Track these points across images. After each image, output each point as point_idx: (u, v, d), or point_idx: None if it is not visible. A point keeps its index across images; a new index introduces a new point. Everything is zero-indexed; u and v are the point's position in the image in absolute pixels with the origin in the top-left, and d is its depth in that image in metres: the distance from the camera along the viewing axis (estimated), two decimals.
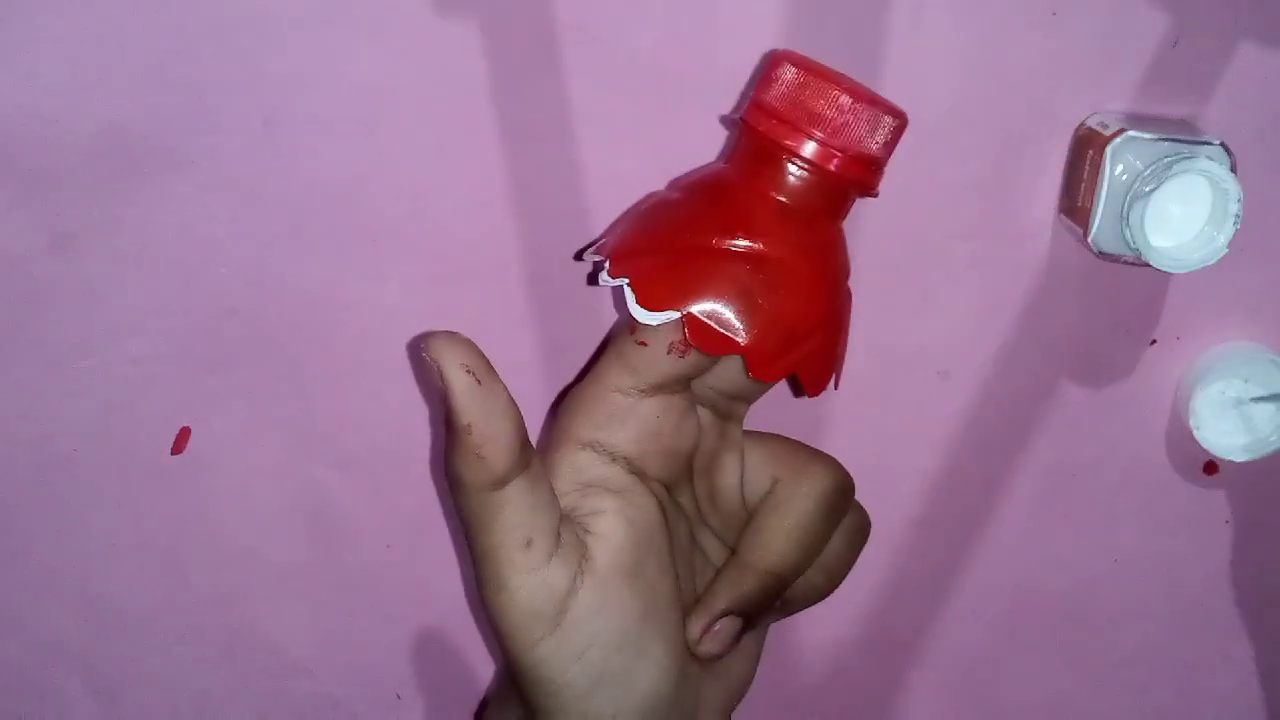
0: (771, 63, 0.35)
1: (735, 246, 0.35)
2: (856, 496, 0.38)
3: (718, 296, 0.34)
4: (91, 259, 0.41)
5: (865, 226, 0.43)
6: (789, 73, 0.35)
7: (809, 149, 0.35)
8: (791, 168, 0.35)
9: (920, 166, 0.43)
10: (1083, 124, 0.43)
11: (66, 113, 0.39)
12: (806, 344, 0.35)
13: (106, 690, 0.46)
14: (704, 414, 0.37)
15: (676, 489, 0.38)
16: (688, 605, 0.37)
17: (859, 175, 0.35)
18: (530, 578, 0.33)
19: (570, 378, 0.44)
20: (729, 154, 0.37)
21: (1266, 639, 0.50)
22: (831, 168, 0.35)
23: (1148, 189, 0.39)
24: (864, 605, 0.49)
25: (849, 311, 0.38)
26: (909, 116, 0.36)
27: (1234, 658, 0.50)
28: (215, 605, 0.45)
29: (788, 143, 0.35)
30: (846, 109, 0.34)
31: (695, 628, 0.36)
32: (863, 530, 0.39)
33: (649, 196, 0.38)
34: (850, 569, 0.39)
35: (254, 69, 0.39)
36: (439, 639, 0.47)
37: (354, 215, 0.41)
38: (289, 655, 0.46)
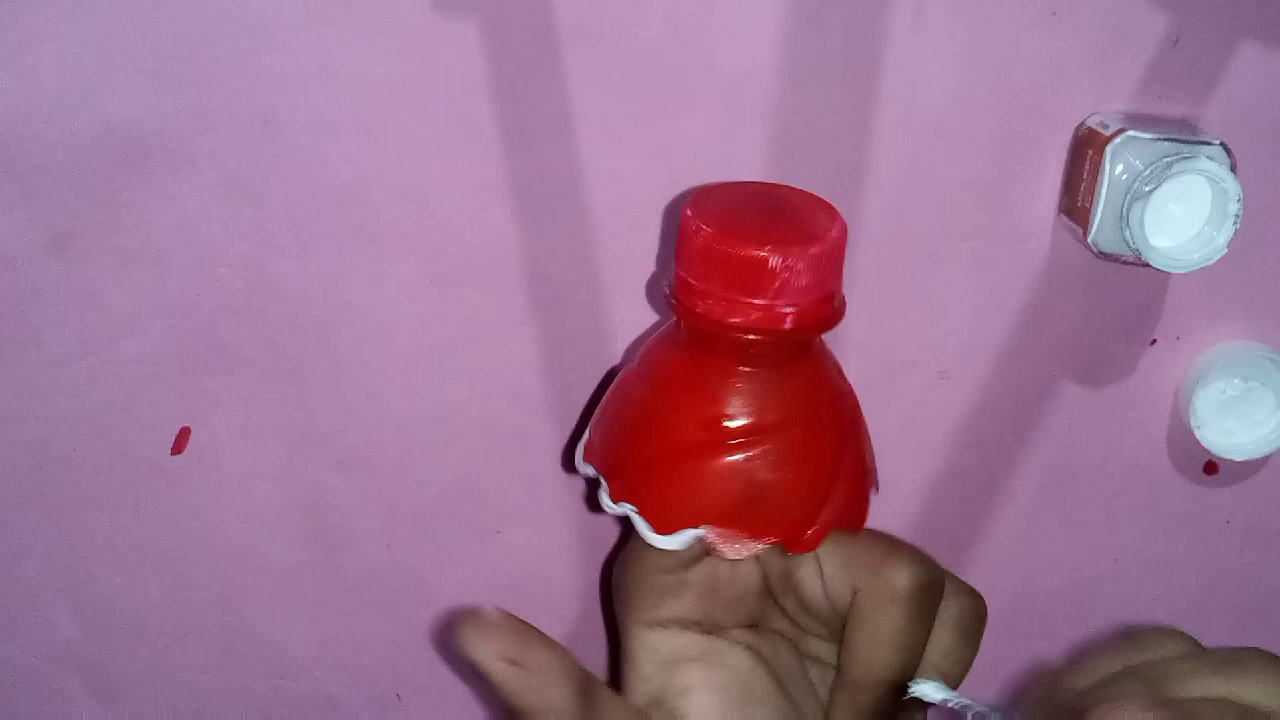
0: (684, 229, 0.32)
1: (724, 437, 0.32)
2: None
3: (727, 500, 0.32)
4: (91, 259, 0.41)
5: (866, 226, 0.43)
6: (706, 237, 0.31)
7: (754, 317, 0.32)
8: (744, 338, 0.32)
9: (920, 166, 0.43)
10: (1083, 124, 0.43)
11: (66, 112, 0.39)
12: (834, 494, 0.34)
13: (106, 689, 0.46)
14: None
15: (766, 618, 0.37)
16: (815, 714, 0.36)
17: (818, 320, 0.33)
18: None
19: (570, 377, 0.44)
20: (676, 330, 0.34)
21: (1267, 639, 0.50)
22: (786, 327, 0.32)
23: (1148, 189, 0.39)
24: None
25: (860, 421, 0.36)
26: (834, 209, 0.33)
27: None
28: (215, 605, 0.45)
29: (730, 320, 0.32)
30: (780, 268, 0.31)
31: None
32: (975, 617, 0.36)
33: (621, 384, 0.36)
34: (970, 659, 0.36)
35: (254, 69, 0.39)
36: (439, 640, 0.47)
37: (354, 215, 0.41)
38: (289, 655, 0.46)
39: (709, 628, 0.35)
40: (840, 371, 0.35)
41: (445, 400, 0.44)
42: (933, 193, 0.43)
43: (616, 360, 0.44)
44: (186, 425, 0.43)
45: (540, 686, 0.32)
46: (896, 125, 0.42)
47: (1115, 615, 0.50)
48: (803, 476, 0.33)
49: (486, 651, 0.32)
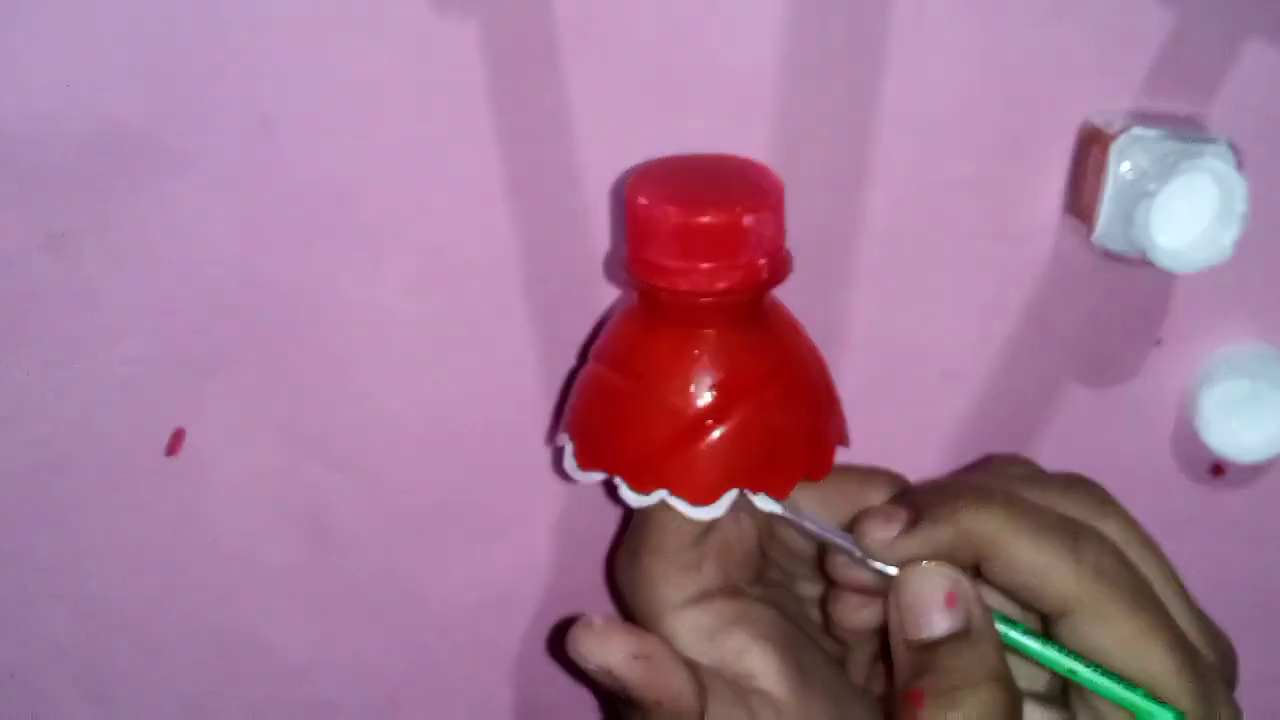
0: (627, 205, 0.34)
1: (720, 399, 0.34)
2: None
3: (752, 454, 0.34)
4: (86, 258, 0.40)
5: (868, 226, 0.43)
6: (645, 209, 0.33)
7: (723, 282, 0.33)
8: (711, 302, 0.34)
9: (923, 165, 0.43)
10: (1087, 122, 0.42)
11: (60, 111, 0.39)
12: (833, 417, 0.36)
13: (101, 693, 0.46)
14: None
15: (765, 571, 0.39)
16: (833, 655, 0.38)
17: (780, 270, 0.35)
18: None
19: (571, 378, 0.44)
20: (638, 309, 0.36)
21: (1274, 641, 0.50)
22: (727, 285, 0.34)
23: (1153, 188, 0.39)
24: None
25: (823, 370, 0.38)
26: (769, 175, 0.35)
27: (1242, 661, 0.50)
28: (211, 608, 0.45)
29: (678, 286, 0.33)
30: (725, 228, 0.33)
31: (859, 676, 0.38)
32: None
33: (595, 385, 0.37)
34: None
35: (250, 68, 0.39)
36: (436, 643, 0.47)
37: (351, 214, 0.41)
38: (285, 659, 0.46)
39: (731, 592, 0.37)
40: (798, 326, 0.37)
41: (442, 401, 0.44)
42: (935, 192, 0.43)
43: None
44: (181, 426, 0.43)
45: (668, 676, 0.33)
46: (899, 124, 0.42)
47: None
48: (807, 411, 0.35)
49: (614, 654, 0.33)
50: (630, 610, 0.38)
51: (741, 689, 0.35)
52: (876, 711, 0.37)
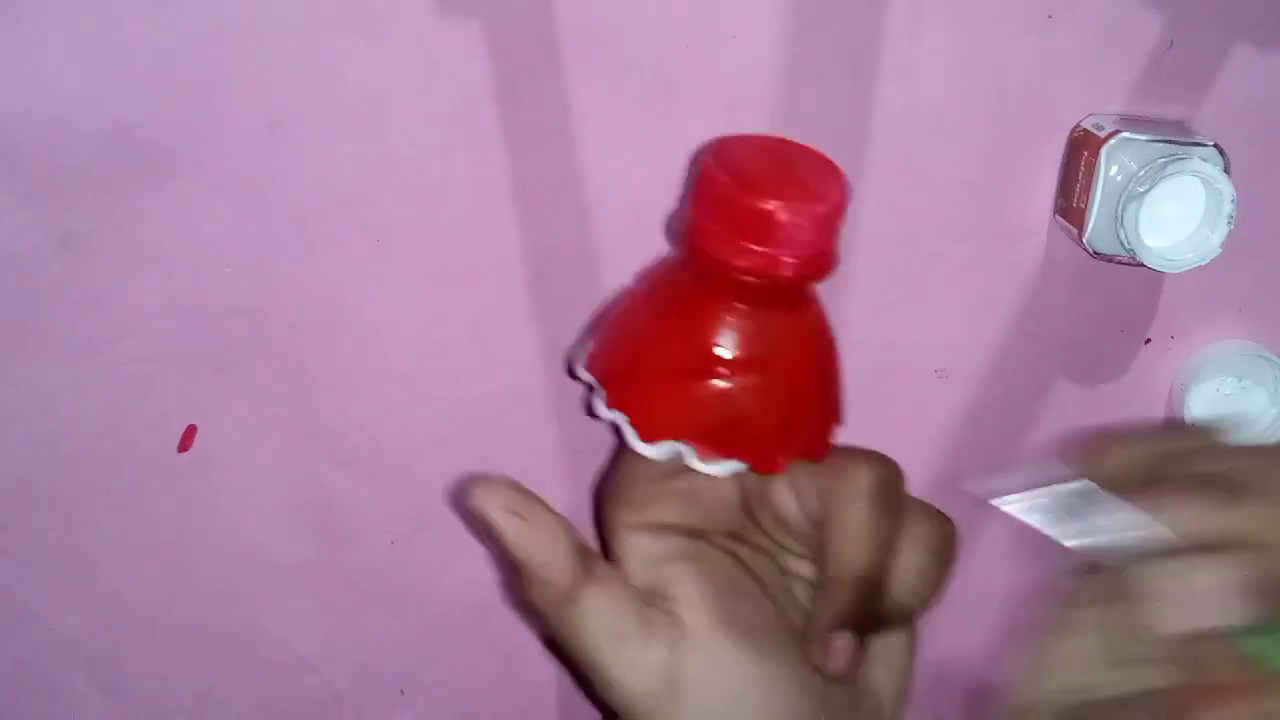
0: (703, 174, 0.35)
1: (713, 364, 0.35)
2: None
3: (707, 421, 0.35)
4: (97, 259, 0.41)
5: (863, 227, 0.43)
6: (723, 185, 0.34)
7: (757, 263, 0.34)
8: (745, 279, 0.34)
9: (917, 168, 0.43)
10: (1078, 126, 0.43)
11: (73, 114, 0.39)
12: (805, 428, 0.36)
13: (112, 685, 0.46)
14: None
15: (746, 533, 0.39)
16: (799, 620, 0.38)
17: (815, 271, 0.35)
18: (633, 667, 0.35)
19: (571, 376, 0.44)
20: (682, 262, 0.37)
21: None
22: (785, 274, 0.34)
23: (1142, 190, 0.40)
24: None
25: (838, 365, 0.38)
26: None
27: None
28: (221, 601, 0.45)
29: (735, 262, 0.34)
30: (787, 220, 0.33)
31: (812, 651, 0.37)
32: (945, 538, 0.38)
33: (626, 302, 0.38)
34: (942, 578, 0.38)
35: (259, 71, 0.39)
36: (443, 635, 0.47)
37: (358, 216, 0.42)
38: (293, 651, 0.46)
39: (692, 533, 0.38)
40: (827, 321, 0.38)
41: (448, 399, 0.44)
42: (930, 194, 0.43)
43: None
44: (192, 424, 0.43)
45: (542, 541, 0.34)
46: (894, 127, 0.42)
47: None
48: (778, 410, 0.36)
49: (493, 504, 0.34)
50: (600, 524, 0.39)
51: (654, 608, 0.36)
52: (810, 685, 0.36)
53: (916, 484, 0.47)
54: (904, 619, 0.38)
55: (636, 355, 0.36)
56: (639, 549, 0.37)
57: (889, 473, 0.37)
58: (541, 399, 0.45)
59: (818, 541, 0.37)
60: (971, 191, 0.44)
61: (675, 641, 0.35)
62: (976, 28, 0.42)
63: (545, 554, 0.34)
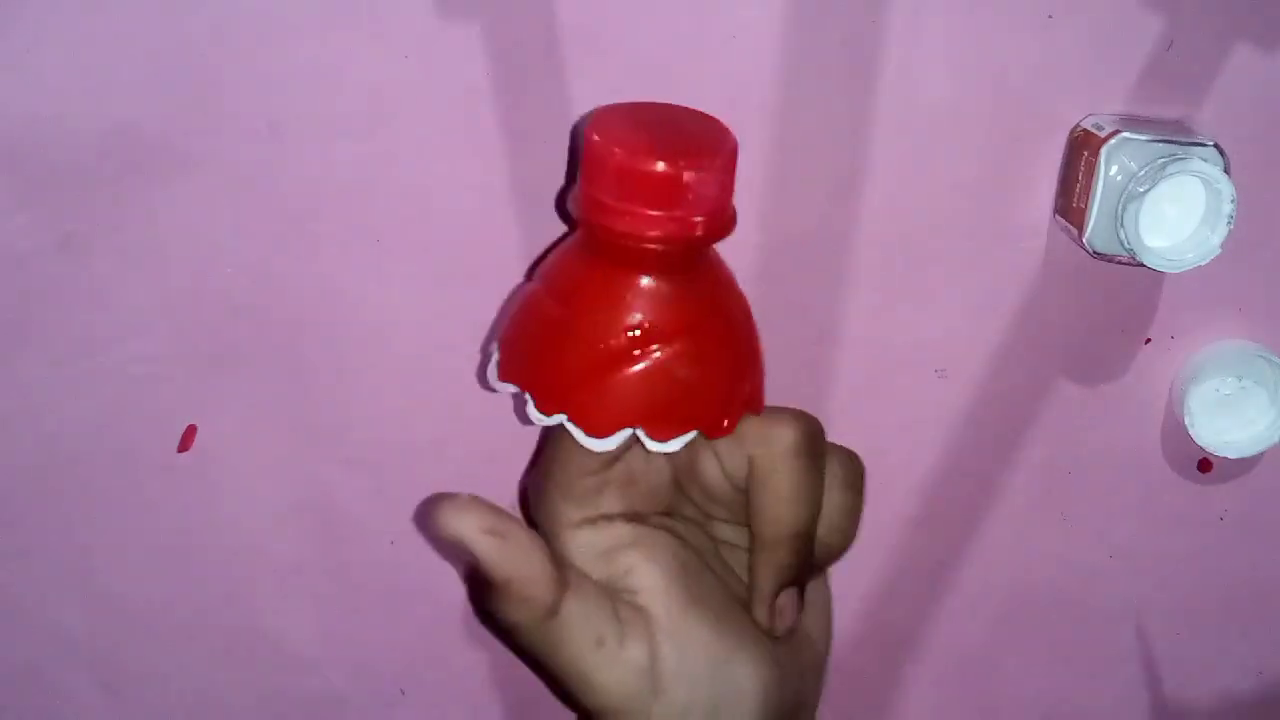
0: (593, 150, 0.34)
1: (641, 342, 0.34)
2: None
3: (654, 399, 0.34)
4: (98, 258, 0.41)
5: (863, 227, 0.43)
6: (617, 156, 0.33)
7: (669, 229, 0.34)
8: (647, 248, 0.34)
9: (917, 167, 0.43)
10: (1078, 126, 0.43)
11: (73, 113, 0.39)
12: (745, 382, 0.36)
13: (112, 685, 0.46)
14: None
15: (677, 506, 0.39)
16: (741, 596, 0.38)
17: (721, 228, 0.35)
18: (614, 670, 0.35)
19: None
20: (580, 245, 0.36)
21: (1261, 635, 0.51)
22: (697, 235, 0.34)
23: (1142, 190, 0.40)
24: (861, 602, 0.49)
25: (753, 323, 0.38)
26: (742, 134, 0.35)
27: (1229, 653, 0.51)
28: (221, 601, 0.45)
29: (647, 232, 0.34)
30: (691, 180, 0.33)
31: (762, 616, 0.37)
32: (855, 472, 0.39)
33: (529, 302, 0.37)
34: (860, 510, 0.39)
35: (259, 71, 0.39)
36: (443, 635, 0.47)
37: (358, 216, 0.42)
38: (293, 651, 0.47)
39: (631, 517, 0.38)
40: (729, 272, 0.37)
41: (448, 398, 0.44)
42: (930, 194, 0.43)
43: None
44: (192, 423, 0.43)
45: (521, 556, 0.33)
46: (894, 127, 0.42)
47: (1111, 611, 0.50)
48: (718, 370, 0.35)
49: (469, 525, 0.33)
50: (534, 525, 0.38)
51: (622, 603, 0.36)
52: (762, 648, 0.37)
53: (914, 483, 0.48)
54: (832, 560, 0.38)
55: (558, 352, 0.35)
56: (585, 544, 0.37)
57: (811, 427, 0.37)
58: None
59: (746, 505, 0.37)
60: (971, 191, 0.44)
61: (649, 635, 0.35)
62: (976, 27, 0.42)
63: (526, 570, 0.34)
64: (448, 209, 0.42)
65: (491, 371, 0.37)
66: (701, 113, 0.36)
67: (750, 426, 0.37)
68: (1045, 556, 0.49)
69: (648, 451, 0.36)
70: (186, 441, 0.43)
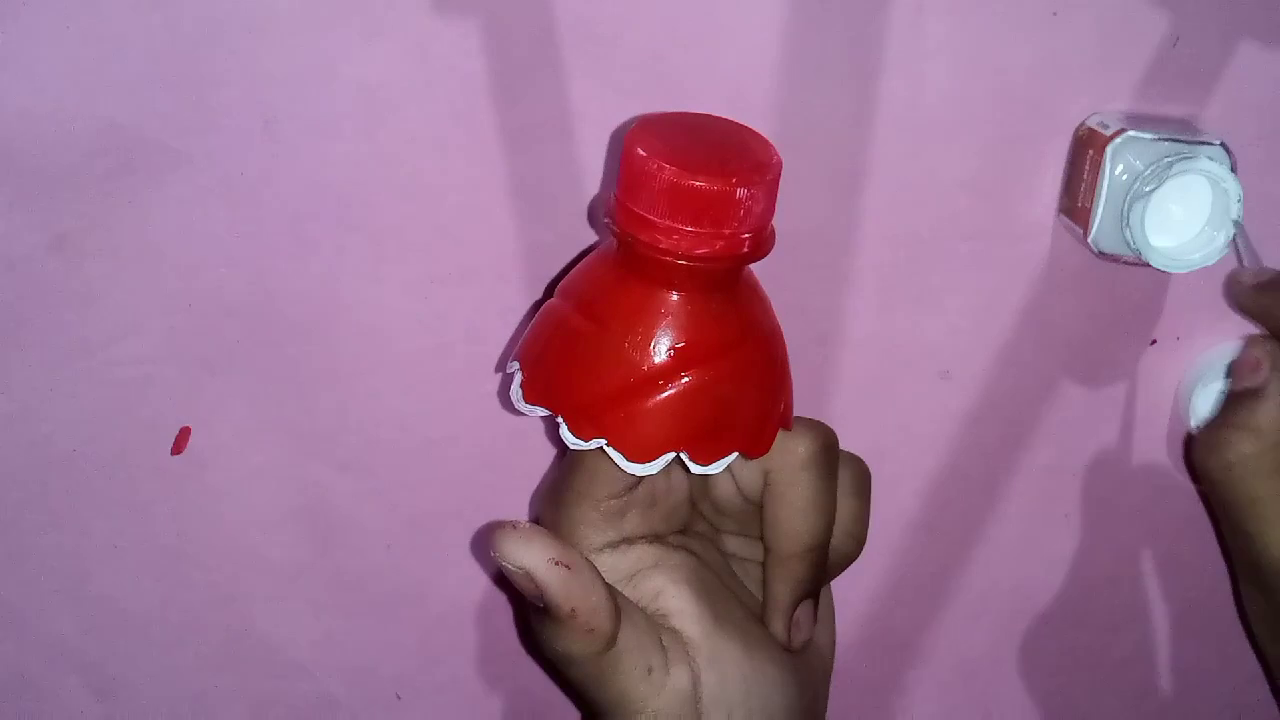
0: (625, 152, 0.34)
1: (682, 363, 0.34)
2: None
3: (696, 421, 0.34)
4: (91, 259, 0.41)
5: (866, 226, 0.43)
6: (645, 164, 0.33)
7: (704, 248, 0.33)
8: (691, 265, 0.33)
9: (921, 166, 0.43)
10: (1083, 124, 0.43)
11: (66, 113, 0.39)
12: (776, 401, 0.36)
13: (106, 689, 0.46)
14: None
15: (692, 524, 0.39)
16: (755, 610, 0.38)
17: (765, 245, 0.34)
18: (663, 697, 0.35)
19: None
20: (612, 263, 0.35)
21: None
22: (743, 252, 0.33)
23: (1148, 189, 0.40)
24: (864, 605, 0.49)
25: (782, 334, 0.37)
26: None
27: (1233, 658, 0.50)
28: (215, 605, 0.45)
29: (676, 249, 0.33)
30: (716, 196, 0.32)
31: (780, 630, 0.37)
32: (863, 478, 0.39)
33: (558, 321, 0.36)
34: (869, 516, 0.39)
35: (254, 69, 0.39)
36: (438, 639, 0.47)
37: (355, 215, 0.41)
38: (288, 655, 0.46)
39: (652, 539, 0.38)
40: (758, 284, 0.37)
41: (444, 400, 0.44)
42: (933, 193, 0.43)
43: None
44: (186, 425, 0.43)
45: (587, 588, 0.33)
46: (897, 126, 0.42)
47: (1115, 614, 0.50)
48: (757, 389, 0.35)
49: (535, 556, 0.33)
50: None
51: (668, 636, 0.36)
52: (784, 662, 0.37)
53: (918, 485, 0.48)
54: (842, 567, 0.39)
55: (594, 374, 0.34)
56: (608, 569, 0.37)
57: (826, 439, 0.37)
58: None
59: (758, 517, 0.37)
60: (975, 191, 0.43)
61: (689, 660, 0.35)
62: (980, 25, 0.41)
63: (591, 602, 0.33)
64: (445, 208, 0.42)
65: (516, 393, 0.36)
66: (741, 125, 0.35)
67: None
68: (1049, 560, 0.49)
69: (668, 471, 0.36)
70: (180, 444, 0.43)
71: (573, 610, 0.33)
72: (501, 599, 0.47)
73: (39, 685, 0.45)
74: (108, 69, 0.39)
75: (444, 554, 0.46)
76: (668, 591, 0.36)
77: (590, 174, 0.42)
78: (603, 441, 0.34)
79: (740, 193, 0.33)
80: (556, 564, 0.33)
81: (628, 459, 0.34)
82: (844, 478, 0.38)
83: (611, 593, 0.34)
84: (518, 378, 0.36)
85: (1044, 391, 0.46)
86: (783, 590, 0.37)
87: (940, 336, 0.45)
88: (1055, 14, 0.41)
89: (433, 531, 0.46)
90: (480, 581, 0.47)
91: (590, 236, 0.43)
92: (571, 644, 0.33)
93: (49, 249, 0.40)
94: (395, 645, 0.47)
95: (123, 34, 0.38)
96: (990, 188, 0.43)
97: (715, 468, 0.35)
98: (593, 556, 0.37)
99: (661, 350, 0.34)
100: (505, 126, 0.41)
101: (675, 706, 0.35)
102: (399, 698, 0.48)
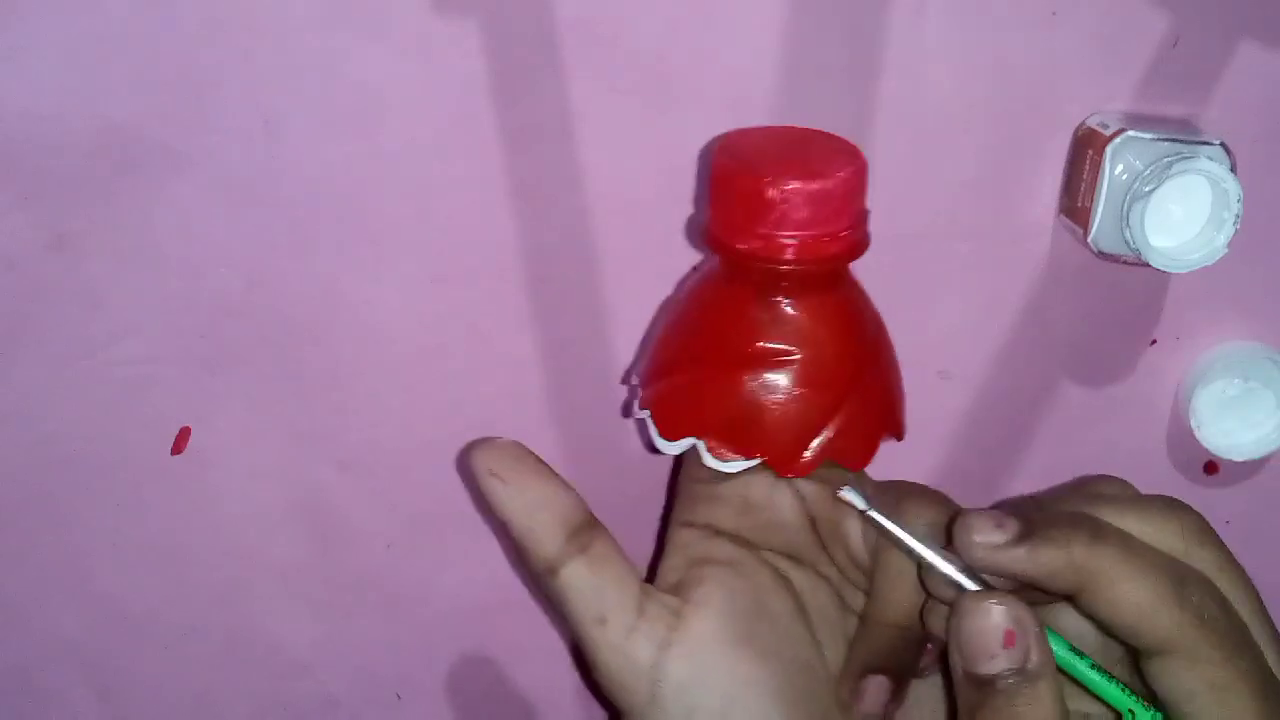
0: (715, 169, 0.34)
1: (735, 358, 0.34)
2: None
3: (721, 415, 0.34)
4: (91, 259, 0.41)
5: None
6: (737, 177, 0.33)
7: (784, 252, 0.33)
8: (775, 269, 0.34)
9: (920, 166, 0.43)
10: (1083, 124, 0.43)
11: (66, 112, 0.39)
12: (833, 425, 0.35)
13: (107, 689, 0.46)
14: (809, 486, 0.37)
15: (813, 560, 0.38)
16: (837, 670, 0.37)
17: (849, 248, 0.35)
18: (612, 654, 0.34)
19: (570, 377, 0.44)
20: (713, 262, 0.36)
21: None
22: (813, 258, 0.34)
23: (1148, 189, 0.39)
24: None
25: (884, 359, 0.37)
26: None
27: None
28: (216, 605, 0.45)
29: (761, 254, 0.34)
30: (807, 199, 0.33)
31: (843, 691, 0.36)
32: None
33: (668, 310, 0.39)
34: None
35: (254, 69, 0.39)
36: (439, 639, 0.47)
37: (354, 215, 0.41)
38: (289, 655, 0.46)
39: (743, 543, 0.37)
40: (868, 305, 0.37)
41: (445, 400, 0.44)
42: (933, 193, 0.43)
43: (617, 360, 0.44)
44: (187, 425, 0.43)
45: (521, 505, 0.34)
46: (896, 125, 0.42)
47: None
48: (799, 402, 0.35)
49: (479, 464, 0.34)
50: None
51: (657, 601, 0.35)
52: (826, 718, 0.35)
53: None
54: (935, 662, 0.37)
55: (664, 356, 0.37)
56: (681, 544, 0.37)
57: (939, 514, 0.35)
58: (540, 400, 0.44)
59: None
60: (974, 190, 0.43)
61: (666, 642, 0.34)
62: (979, 24, 0.41)
63: (525, 521, 0.34)
64: (445, 208, 0.42)
65: (634, 370, 0.38)
66: (817, 130, 0.36)
67: (886, 498, 0.35)
68: None
69: (770, 484, 0.36)
70: (180, 444, 0.43)
71: (508, 521, 0.34)
72: (501, 599, 0.47)
73: (39, 684, 0.45)
74: (108, 69, 0.39)
75: (444, 554, 0.46)
76: (710, 585, 0.35)
77: (590, 174, 0.42)
78: (646, 413, 0.36)
79: (801, 190, 0.33)
80: (492, 474, 0.34)
81: (658, 432, 0.35)
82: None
83: (572, 524, 0.34)
84: (650, 420, 0.37)
85: (1044, 392, 0.46)
86: (856, 653, 0.36)
87: (938, 337, 0.45)
88: (1055, 14, 0.41)
89: (433, 531, 0.46)
90: (480, 581, 0.47)
91: (588, 235, 0.42)
92: (519, 555, 0.34)
93: (49, 249, 0.40)
94: (395, 645, 0.47)
95: (122, 34, 0.38)
96: (989, 188, 0.43)
97: (726, 467, 0.35)
98: (676, 527, 0.37)
99: (718, 341, 0.35)
100: (505, 126, 0.41)
101: (624, 670, 0.34)
102: (399, 698, 0.48)
